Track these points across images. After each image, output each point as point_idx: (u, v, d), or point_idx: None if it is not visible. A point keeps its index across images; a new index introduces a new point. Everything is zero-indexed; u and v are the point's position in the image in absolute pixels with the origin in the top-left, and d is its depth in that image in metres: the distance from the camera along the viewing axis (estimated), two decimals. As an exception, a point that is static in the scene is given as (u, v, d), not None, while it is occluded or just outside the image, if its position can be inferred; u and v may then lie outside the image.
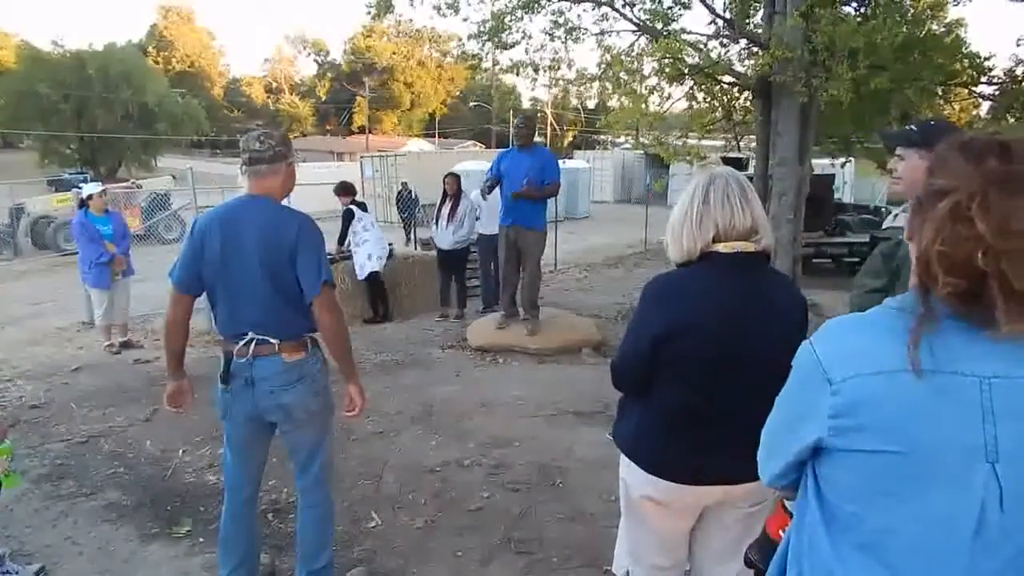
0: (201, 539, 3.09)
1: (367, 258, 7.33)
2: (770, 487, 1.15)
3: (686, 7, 7.85)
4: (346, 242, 7.44)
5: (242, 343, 2.31)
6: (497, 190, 6.07)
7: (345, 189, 7.42)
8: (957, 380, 0.88)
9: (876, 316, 0.97)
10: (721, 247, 1.66)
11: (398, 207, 15.11)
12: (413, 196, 15.00)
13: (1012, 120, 7.88)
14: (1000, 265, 0.84)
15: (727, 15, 8.09)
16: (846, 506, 0.96)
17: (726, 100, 8.84)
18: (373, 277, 7.41)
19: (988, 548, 0.88)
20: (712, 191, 1.69)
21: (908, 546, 0.91)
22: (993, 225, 0.84)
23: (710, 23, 8.15)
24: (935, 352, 0.89)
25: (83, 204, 6.44)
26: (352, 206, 7.34)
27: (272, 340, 2.31)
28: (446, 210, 7.51)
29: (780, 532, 1.16)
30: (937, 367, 0.89)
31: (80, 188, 6.80)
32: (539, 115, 47.45)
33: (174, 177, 22.32)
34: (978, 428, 0.87)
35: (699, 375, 1.68)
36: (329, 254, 2.45)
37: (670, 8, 7.68)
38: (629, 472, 1.85)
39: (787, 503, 1.17)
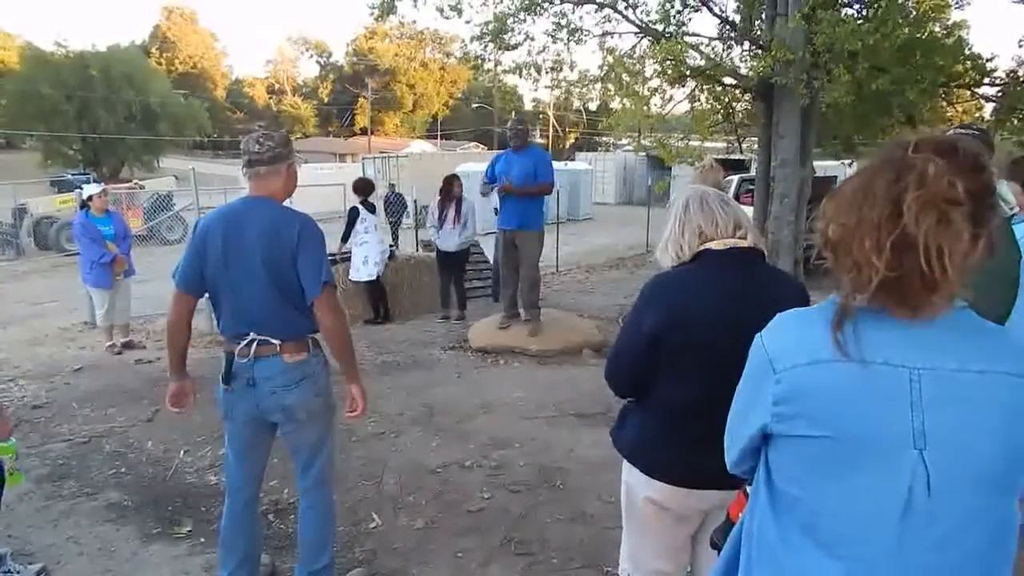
0: (202, 539, 3.09)
1: (363, 262, 7.34)
2: (732, 473, 1.20)
3: (695, 10, 7.86)
4: (349, 241, 7.45)
5: (244, 343, 2.31)
6: (495, 193, 6.07)
7: (357, 186, 7.49)
8: (887, 370, 0.94)
9: (818, 310, 1.03)
10: (714, 244, 1.71)
11: (386, 211, 14.88)
12: (402, 199, 14.74)
13: (1016, 122, 7.87)
14: (842, 237, 0.95)
15: (732, 18, 8.10)
16: (788, 489, 1.02)
17: (728, 102, 8.85)
18: (368, 281, 7.41)
19: (915, 530, 0.93)
20: (690, 202, 1.77)
21: (841, 527, 0.96)
22: (838, 204, 0.97)
23: (720, 25, 8.16)
24: (863, 343, 0.94)
25: (84, 205, 6.46)
26: (360, 205, 7.34)
27: (274, 341, 2.31)
28: (451, 212, 7.50)
29: (740, 515, 1.21)
30: (867, 358, 0.94)
31: (82, 189, 6.82)
32: (541, 117, 47.49)
33: (176, 178, 22.38)
34: (907, 416, 0.92)
35: (697, 372, 1.68)
36: (331, 254, 2.46)
37: (679, 12, 7.68)
38: (631, 475, 1.85)
39: (748, 489, 1.23)
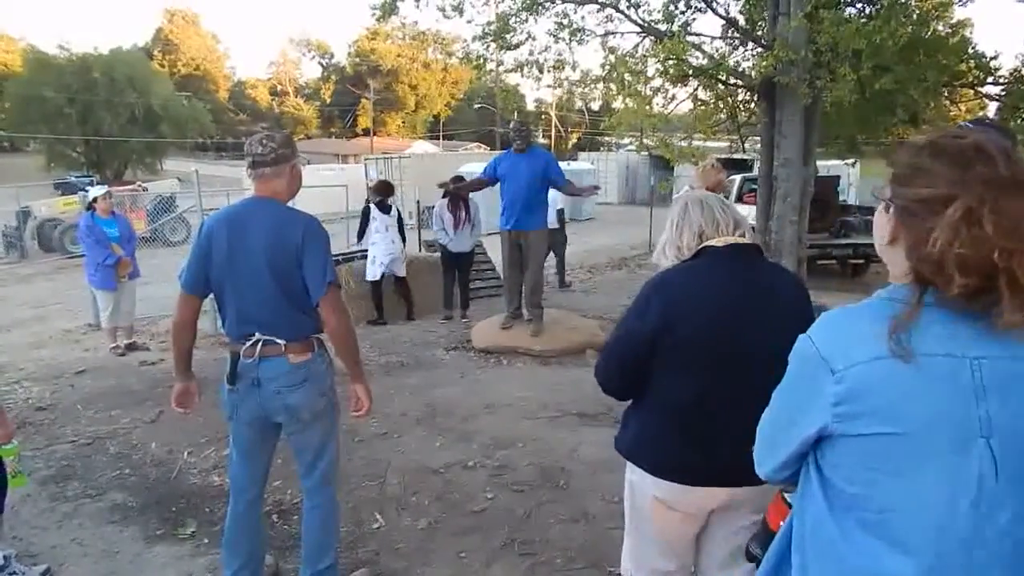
0: (206, 540, 3.10)
1: (371, 261, 7.43)
2: (769, 481, 1.18)
3: (699, 10, 7.86)
4: (363, 240, 7.63)
5: (249, 344, 2.32)
6: (497, 192, 6.09)
7: (375, 187, 7.73)
8: (949, 362, 0.95)
9: (870, 306, 1.03)
10: (714, 242, 1.73)
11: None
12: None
13: (1019, 121, 7.84)
14: (1011, 264, 0.91)
15: (735, 18, 8.10)
16: (850, 488, 1.01)
17: (730, 101, 8.84)
18: (375, 282, 7.47)
19: (987, 517, 0.94)
20: (690, 205, 1.80)
21: (909, 521, 0.96)
22: (1005, 228, 0.92)
23: (723, 25, 8.16)
24: (923, 338, 0.95)
25: (91, 207, 6.49)
26: (373, 205, 7.45)
27: (279, 341, 2.32)
28: (462, 214, 7.52)
29: (780, 523, 1.19)
30: (928, 351, 0.95)
31: (87, 191, 6.85)
32: (543, 117, 47.48)
33: (179, 180, 22.42)
34: (972, 406, 0.94)
35: (702, 367, 1.68)
36: (336, 254, 2.47)
37: (682, 12, 7.69)
38: (635, 474, 1.85)
39: (787, 495, 1.19)
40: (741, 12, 8.26)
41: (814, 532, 1.06)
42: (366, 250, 7.62)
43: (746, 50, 8.27)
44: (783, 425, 1.10)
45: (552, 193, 9.77)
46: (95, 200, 6.45)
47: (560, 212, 10.11)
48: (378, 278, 7.44)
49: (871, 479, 0.98)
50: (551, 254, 9.48)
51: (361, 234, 7.62)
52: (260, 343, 2.31)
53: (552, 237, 9.37)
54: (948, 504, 0.95)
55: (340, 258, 7.36)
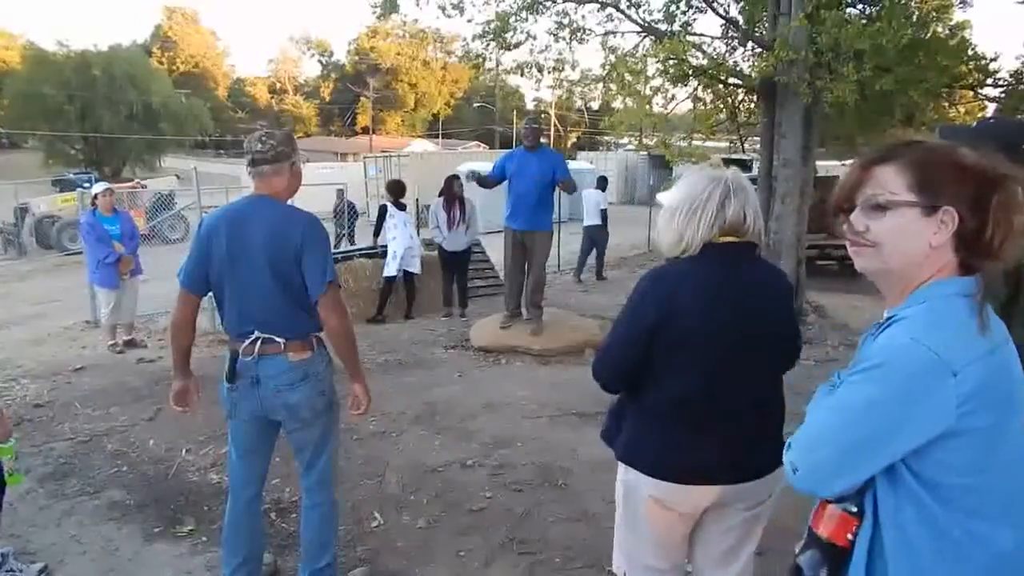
0: (204, 538, 3.09)
1: (392, 257, 7.53)
2: (833, 497, 1.13)
3: (699, 11, 7.87)
4: (380, 237, 7.82)
5: (248, 342, 2.31)
6: (496, 190, 6.09)
7: (389, 188, 7.90)
8: (1008, 344, 1.08)
9: (952, 305, 1.06)
10: (713, 239, 1.70)
11: (336, 221, 12.70)
12: (353, 208, 13.49)
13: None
14: None
15: (735, 18, 8.10)
16: (962, 479, 1.05)
17: (730, 101, 8.84)
18: (390, 278, 7.56)
19: None
20: (733, 196, 1.69)
21: (1006, 495, 1.05)
22: None
23: (723, 25, 8.18)
24: (993, 325, 1.05)
25: (93, 203, 6.49)
26: (389, 203, 7.63)
27: (278, 339, 2.31)
28: (456, 213, 7.55)
29: (847, 536, 1.12)
30: (1004, 337, 1.07)
31: (86, 188, 6.85)
32: (543, 116, 47.44)
33: (178, 177, 22.40)
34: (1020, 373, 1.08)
35: (695, 364, 1.68)
36: (337, 252, 2.47)
37: (683, 12, 7.70)
38: (630, 474, 1.83)
39: (840, 506, 1.12)
40: (741, 12, 8.27)
41: (929, 536, 1.05)
42: (366, 248, 7.66)
43: (746, 50, 8.28)
44: (881, 440, 1.05)
45: (596, 195, 10.28)
46: (95, 196, 6.44)
47: (603, 212, 10.64)
48: (395, 274, 7.53)
49: (982, 466, 1.03)
50: (593, 248, 10.75)
51: (377, 232, 7.80)
52: (259, 341, 2.31)
53: (595, 233, 10.71)
54: (1022, 468, 1.06)
55: (339, 256, 7.37)
